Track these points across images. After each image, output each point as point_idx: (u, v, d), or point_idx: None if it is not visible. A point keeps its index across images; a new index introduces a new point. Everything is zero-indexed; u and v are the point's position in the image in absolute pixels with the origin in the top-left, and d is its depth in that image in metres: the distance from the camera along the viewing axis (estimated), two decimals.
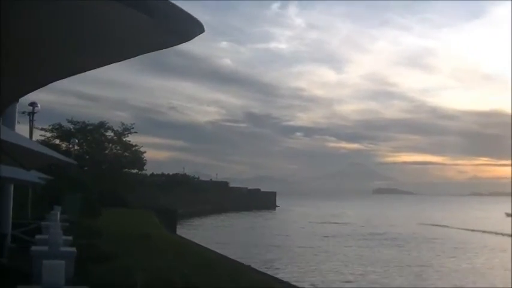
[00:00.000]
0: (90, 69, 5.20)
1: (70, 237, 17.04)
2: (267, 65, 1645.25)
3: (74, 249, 14.73)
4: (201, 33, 4.23)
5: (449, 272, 46.88)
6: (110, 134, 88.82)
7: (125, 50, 4.75)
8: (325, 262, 51.49)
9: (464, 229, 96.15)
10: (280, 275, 36.44)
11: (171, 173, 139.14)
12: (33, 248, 15.24)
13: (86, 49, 4.63)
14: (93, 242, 19.02)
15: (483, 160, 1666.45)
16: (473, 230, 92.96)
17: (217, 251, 39.77)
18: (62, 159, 12.05)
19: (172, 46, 4.52)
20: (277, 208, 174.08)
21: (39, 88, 6.10)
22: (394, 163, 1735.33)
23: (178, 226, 70.18)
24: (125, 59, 4.98)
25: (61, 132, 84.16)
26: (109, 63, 5.10)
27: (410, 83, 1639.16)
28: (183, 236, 51.41)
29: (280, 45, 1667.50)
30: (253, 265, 34.90)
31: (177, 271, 10.59)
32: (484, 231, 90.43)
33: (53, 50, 4.74)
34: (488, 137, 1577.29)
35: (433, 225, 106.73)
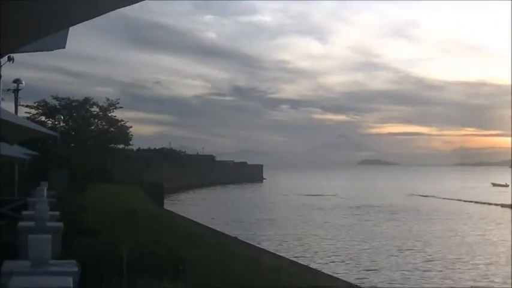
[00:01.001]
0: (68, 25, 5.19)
1: (57, 213, 17.09)
2: (252, 38, 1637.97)
3: (60, 224, 14.81)
4: None
5: (441, 243, 47.33)
6: (95, 109, 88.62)
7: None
8: (311, 233, 51.84)
9: (452, 199, 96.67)
10: (266, 247, 36.73)
11: (157, 148, 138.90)
12: (20, 223, 15.30)
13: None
14: (80, 217, 19.10)
15: (469, 130, 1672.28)
16: (463, 201, 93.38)
17: (204, 224, 39.99)
18: (44, 131, 12.08)
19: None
20: (264, 181, 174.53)
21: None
22: (380, 134, 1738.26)
23: (165, 200, 70.37)
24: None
25: (46, 109, 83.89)
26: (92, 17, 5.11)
27: (396, 54, 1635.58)
28: (170, 210, 51.64)
29: (265, 17, 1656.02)
30: (239, 237, 35.16)
31: (163, 244, 10.68)
32: (473, 202, 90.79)
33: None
34: (475, 108, 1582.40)
35: (421, 195, 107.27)
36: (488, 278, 32.99)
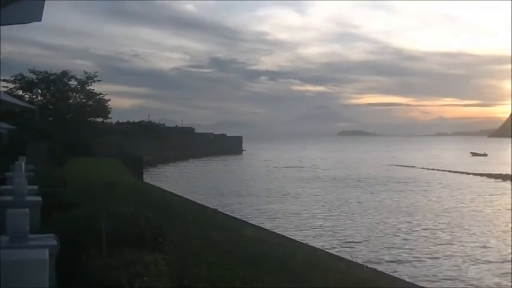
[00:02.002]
0: None
1: (35, 187, 17.01)
2: (230, 10, 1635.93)
3: (39, 198, 14.74)
4: None
5: (425, 212, 47.69)
6: (73, 83, 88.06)
7: None
8: (293, 206, 52.09)
9: (433, 169, 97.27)
10: (247, 219, 36.84)
11: (136, 121, 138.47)
12: None
13: None
14: (59, 190, 19.00)
15: (447, 100, 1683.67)
16: (443, 171, 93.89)
17: (184, 196, 40.00)
18: (21, 105, 11.96)
19: None
20: (243, 153, 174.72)
21: None
22: (359, 105, 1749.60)
23: (144, 173, 70.22)
24: None
25: (23, 83, 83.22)
26: None
27: (374, 24, 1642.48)
28: (150, 183, 51.58)
29: None
30: (219, 209, 35.22)
31: (142, 216, 10.66)
32: (454, 171, 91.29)
33: None
34: (453, 78, 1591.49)
35: (402, 166, 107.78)
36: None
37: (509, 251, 31.48)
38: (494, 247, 32.64)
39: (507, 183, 71.34)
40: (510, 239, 34.49)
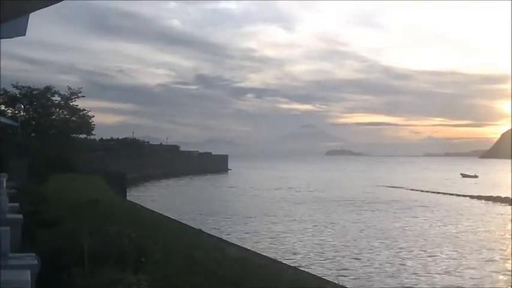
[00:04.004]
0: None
1: (17, 204, 16.98)
2: (217, 26, 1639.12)
3: (20, 216, 14.72)
4: None
5: (412, 236, 47.75)
6: (56, 98, 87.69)
7: None
8: (279, 226, 52.10)
9: (421, 191, 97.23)
10: (231, 240, 36.84)
11: (120, 138, 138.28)
12: None
13: None
14: (41, 208, 18.99)
15: (438, 120, 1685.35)
16: (436, 192, 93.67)
17: (168, 215, 39.94)
18: (3, 121, 11.98)
19: None
20: (229, 171, 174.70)
21: None
22: (347, 124, 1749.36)
23: (128, 191, 70.10)
24: None
25: (6, 97, 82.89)
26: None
27: (362, 42, 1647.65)
28: (133, 201, 51.50)
29: (230, 5, 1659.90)
30: (204, 229, 35.19)
31: (125, 235, 10.70)
32: (445, 193, 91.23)
33: None
34: (443, 97, 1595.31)
35: (389, 187, 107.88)
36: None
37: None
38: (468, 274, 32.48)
39: (498, 206, 71.38)
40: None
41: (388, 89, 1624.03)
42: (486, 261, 35.71)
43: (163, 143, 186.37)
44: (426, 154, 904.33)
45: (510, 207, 68.57)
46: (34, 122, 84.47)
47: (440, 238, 44.92)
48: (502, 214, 62.90)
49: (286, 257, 34.26)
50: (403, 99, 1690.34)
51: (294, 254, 37.02)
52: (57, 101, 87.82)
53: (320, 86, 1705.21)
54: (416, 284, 29.16)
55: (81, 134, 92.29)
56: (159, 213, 39.11)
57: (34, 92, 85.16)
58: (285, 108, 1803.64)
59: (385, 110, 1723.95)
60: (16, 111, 76.19)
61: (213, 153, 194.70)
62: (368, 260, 35.09)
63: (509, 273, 32.17)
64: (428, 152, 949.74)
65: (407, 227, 51.33)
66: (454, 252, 38.38)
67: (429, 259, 35.95)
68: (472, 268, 33.31)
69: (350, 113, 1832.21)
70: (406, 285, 28.76)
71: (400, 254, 37.63)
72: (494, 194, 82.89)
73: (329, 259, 35.38)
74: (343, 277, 28.53)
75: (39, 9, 5.96)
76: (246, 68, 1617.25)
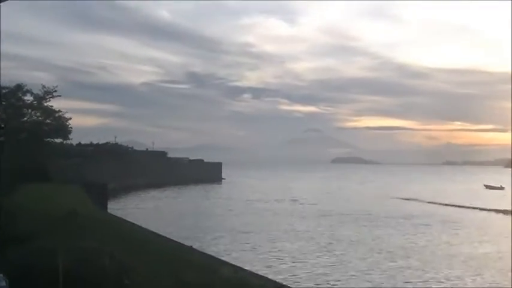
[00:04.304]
0: None
1: None
2: (210, 17, 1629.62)
3: None
4: None
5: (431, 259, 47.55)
6: (28, 98, 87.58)
7: None
8: (278, 244, 52.02)
9: (438, 204, 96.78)
10: (226, 258, 36.77)
11: (100, 142, 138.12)
12: None
13: None
14: (11, 221, 18.93)
15: (457, 124, 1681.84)
16: (451, 205, 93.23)
17: (154, 230, 39.87)
18: None
19: None
20: (223, 181, 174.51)
21: None
22: (356, 128, 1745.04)
23: (109, 203, 70.01)
24: None
25: None
26: None
27: (374, 36, 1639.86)
28: (115, 214, 51.45)
29: None
30: (195, 246, 35.12)
31: (106, 252, 10.65)
32: (467, 207, 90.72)
33: None
34: (463, 98, 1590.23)
35: (404, 199, 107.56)
36: None
37: None
38: None
39: None
40: None
41: (402, 89, 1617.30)
42: None
43: (149, 149, 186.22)
44: (444, 162, 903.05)
45: None
46: (2, 125, 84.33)
47: (465, 263, 44.26)
48: None
49: (287, 278, 34.21)
50: (419, 100, 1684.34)
51: (294, 275, 36.94)
52: (29, 101, 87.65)
53: (326, 85, 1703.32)
54: None
55: (57, 138, 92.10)
56: (144, 228, 39.07)
57: (3, 91, 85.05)
58: (286, 110, 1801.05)
59: (399, 113, 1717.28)
60: None
61: (205, 160, 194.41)
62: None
63: None
64: (447, 160, 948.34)
65: (426, 247, 51.07)
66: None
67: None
68: None
69: (359, 116, 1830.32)
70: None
71: (424, 277, 37.57)
72: None
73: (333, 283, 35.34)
74: None
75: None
76: (243, 65, 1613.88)
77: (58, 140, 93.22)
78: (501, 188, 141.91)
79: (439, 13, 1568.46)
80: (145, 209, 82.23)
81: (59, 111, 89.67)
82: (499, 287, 35.27)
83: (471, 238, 57.25)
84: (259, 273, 29.88)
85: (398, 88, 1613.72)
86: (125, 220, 40.77)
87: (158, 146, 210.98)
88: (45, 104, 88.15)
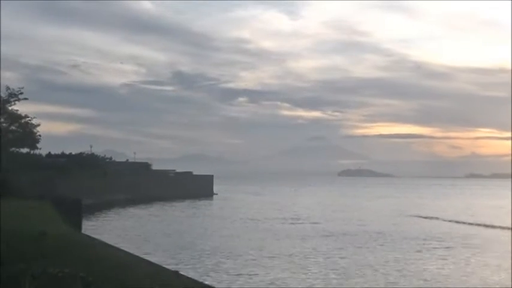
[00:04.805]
0: None
1: None
2: (200, 9, 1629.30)
3: None
4: None
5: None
6: None
7: None
8: (280, 270, 51.97)
9: (464, 223, 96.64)
10: (218, 285, 36.76)
11: (74, 153, 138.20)
12: None
13: None
14: None
15: (484, 132, 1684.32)
16: (484, 225, 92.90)
17: (135, 253, 39.85)
18: None
19: None
20: (214, 196, 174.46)
21: None
22: (367, 136, 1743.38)
23: (83, 221, 69.95)
24: None
25: None
26: None
27: (388, 31, 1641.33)
28: (90, 234, 51.34)
29: None
30: (181, 271, 35.09)
31: (79, 279, 10.60)
32: (495, 227, 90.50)
33: None
34: (490, 102, 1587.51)
35: (422, 217, 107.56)
36: None
37: None
38: None
39: None
40: None
41: (420, 91, 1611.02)
42: None
43: (130, 160, 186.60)
44: (469, 175, 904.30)
45: None
46: None
47: None
48: None
49: None
50: (439, 104, 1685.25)
51: None
52: None
53: (332, 87, 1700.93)
54: None
55: (23, 147, 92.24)
56: (124, 251, 39.02)
57: None
58: (287, 116, 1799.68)
59: (417, 119, 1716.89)
60: None
61: (195, 172, 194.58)
62: None
63: None
64: (472, 173, 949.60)
65: (449, 276, 50.86)
66: None
67: None
68: None
69: (371, 122, 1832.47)
70: None
71: None
72: None
73: None
74: None
75: None
76: (238, 64, 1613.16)
77: (25, 150, 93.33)
78: None
79: (462, 4, 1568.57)
80: (125, 229, 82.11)
81: (26, 116, 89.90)
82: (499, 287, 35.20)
83: (501, 264, 56.87)
84: None
85: (416, 90, 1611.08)
86: (101, 241, 40.66)
87: (140, 156, 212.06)
88: (10, 108, 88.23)
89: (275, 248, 64.25)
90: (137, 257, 37.51)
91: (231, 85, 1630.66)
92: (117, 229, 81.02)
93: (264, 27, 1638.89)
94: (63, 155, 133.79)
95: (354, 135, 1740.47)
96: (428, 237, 76.03)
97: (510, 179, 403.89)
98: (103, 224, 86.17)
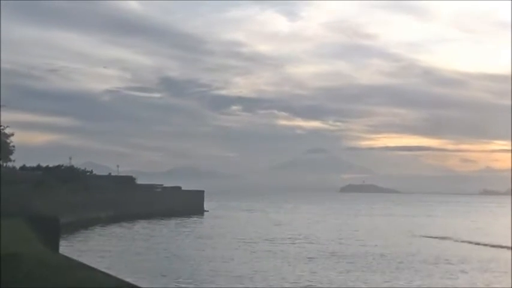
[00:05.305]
0: None
1: None
2: (190, 10, 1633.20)
3: None
4: None
5: None
6: None
7: None
8: None
9: (477, 244, 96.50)
10: None
11: (51, 165, 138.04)
12: None
13: None
14: None
15: (499, 144, 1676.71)
16: (499, 247, 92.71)
17: (118, 276, 39.64)
18: None
19: None
20: (205, 214, 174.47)
21: None
22: (372, 149, 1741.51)
23: (62, 242, 69.72)
24: None
25: None
26: None
27: (395, 34, 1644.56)
28: (69, 256, 51.09)
29: None
30: None
31: None
32: (508, 247, 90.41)
33: None
34: (506, 111, 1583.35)
35: (433, 237, 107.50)
36: None
37: None
38: None
39: None
40: None
41: (430, 100, 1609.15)
42: None
43: (113, 174, 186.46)
44: (483, 191, 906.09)
45: None
46: None
47: None
48: None
49: None
50: (451, 113, 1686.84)
51: None
52: None
53: (334, 95, 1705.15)
54: None
55: None
56: (105, 273, 38.77)
57: None
58: (284, 126, 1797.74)
59: (426, 129, 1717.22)
60: None
61: (184, 187, 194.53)
62: None
63: None
64: (486, 189, 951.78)
65: None
66: None
67: None
68: None
69: (376, 133, 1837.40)
70: None
71: None
72: None
73: None
74: None
75: None
76: (231, 69, 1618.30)
77: None
78: None
79: (477, 4, 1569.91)
80: (106, 250, 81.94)
81: None
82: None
83: None
84: None
85: (425, 98, 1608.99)
86: (80, 263, 40.41)
87: (124, 169, 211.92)
88: None
89: (273, 274, 63.91)
90: (120, 280, 37.26)
91: (223, 92, 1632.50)
92: (97, 250, 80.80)
93: (260, 29, 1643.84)
94: (39, 167, 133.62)
95: (358, 148, 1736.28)
96: (440, 260, 75.86)
97: None
98: (83, 244, 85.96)
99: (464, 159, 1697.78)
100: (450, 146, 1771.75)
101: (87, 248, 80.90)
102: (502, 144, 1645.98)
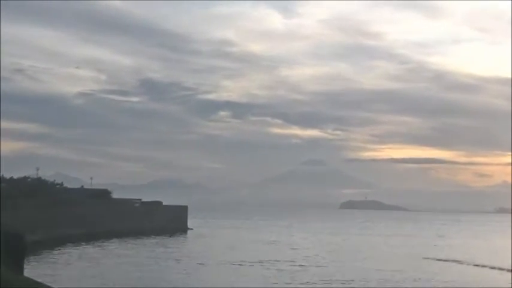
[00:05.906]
0: None
1: None
2: (175, 5, 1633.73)
3: None
4: None
5: None
6: None
7: None
8: None
9: (492, 267, 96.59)
10: None
11: (16, 177, 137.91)
12: None
13: None
14: None
15: None
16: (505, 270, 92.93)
17: None
18: None
19: None
20: (189, 232, 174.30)
21: None
22: (375, 160, 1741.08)
23: (27, 262, 69.51)
24: None
25: None
26: None
27: (402, 33, 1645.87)
28: (35, 278, 50.91)
29: None
30: None
31: None
32: None
33: None
34: None
35: (443, 260, 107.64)
36: None
37: None
38: None
39: None
40: None
41: (441, 106, 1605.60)
42: None
43: (86, 186, 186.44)
44: (499, 209, 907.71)
45: None
46: None
47: None
48: None
49: None
50: (464, 122, 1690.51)
51: None
52: None
53: (334, 100, 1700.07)
54: None
55: None
56: None
57: None
58: (278, 135, 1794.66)
59: (436, 140, 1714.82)
60: None
61: (165, 202, 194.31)
62: None
63: None
64: (502, 206, 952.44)
65: None
66: None
67: None
68: None
69: (380, 144, 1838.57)
70: None
71: None
72: None
73: None
74: None
75: None
76: (220, 70, 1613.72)
77: None
78: None
79: (492, 2, 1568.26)
80: (78, 271, 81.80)
81: None
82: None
83: None
84: None
85: (435, 105, 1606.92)
86: (47, 286, 40.28)
87: (99, 182, 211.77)
88: None
89: None
90: None
91: (211, 96, 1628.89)
92: (67, 272, 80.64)
93: (253, 27, 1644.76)
94: (3, 179, 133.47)
95: (359, 159, 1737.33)
96: (450, 285, 75.81)
97: None
98: (50, 265, 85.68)
99: (478, 173, 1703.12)
100: (462, 159, 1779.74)
101: (54, 269, 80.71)
102: None
